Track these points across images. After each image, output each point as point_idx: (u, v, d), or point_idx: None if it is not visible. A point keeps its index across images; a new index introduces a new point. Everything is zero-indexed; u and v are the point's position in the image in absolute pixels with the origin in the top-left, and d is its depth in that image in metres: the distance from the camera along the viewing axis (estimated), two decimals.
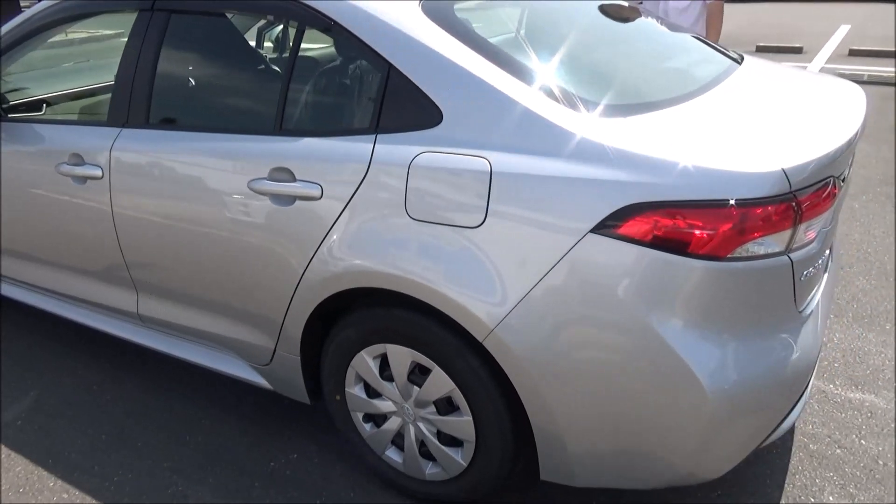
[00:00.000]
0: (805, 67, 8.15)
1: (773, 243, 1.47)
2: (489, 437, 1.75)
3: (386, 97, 1.72)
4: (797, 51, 9.25)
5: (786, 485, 2.05)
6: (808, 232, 1.54)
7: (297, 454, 2.22)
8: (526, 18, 2.11)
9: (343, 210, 1.75)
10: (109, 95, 2.25)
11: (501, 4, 2.20)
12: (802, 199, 1.46)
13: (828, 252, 1.70)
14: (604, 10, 2.30)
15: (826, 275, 1.84)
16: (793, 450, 2.18)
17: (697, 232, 1.42)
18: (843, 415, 2.33)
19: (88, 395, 2.54)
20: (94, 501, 2.06)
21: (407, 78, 1.69)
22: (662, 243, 1.44)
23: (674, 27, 2.45)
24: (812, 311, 1.67)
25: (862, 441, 2.21)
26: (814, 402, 2.39)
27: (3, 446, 2.29)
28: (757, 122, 1.70)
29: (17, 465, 2.21)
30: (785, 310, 1.55)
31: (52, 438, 2.32)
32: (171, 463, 2.20)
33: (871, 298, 3.05)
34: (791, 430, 2.25)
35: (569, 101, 1.59)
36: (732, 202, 1.40)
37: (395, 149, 1.68)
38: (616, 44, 2.11)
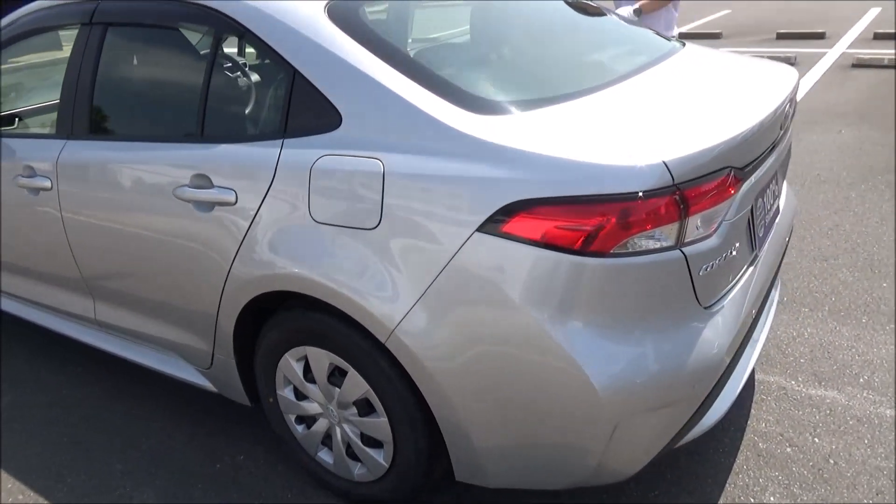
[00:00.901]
0: (825, 53, 7.90)
1: (662, 237, 1.43)
2: (404, 437, 1.75)
3: (292, 102, 1.74)
4: (819, 36, 8.95)
5: (727, 484, 1.99)
6: (707, 225, 1.50)
7: (243, 455, 2.26)
8: (453, 16, 2.12)
9: (255, 215, 1.78)
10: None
11: (439, 4, 2.20)
12: (689, 191, 1.42)
13: (738, 244, 1.64)
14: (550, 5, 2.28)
15: (752, 268, 1.79)
16: (740, 448, 2.12)
17: (579, 227, 1.40)
18: (801, 412, 2.25)
19: (56, 399, 2.63)
20: (45, 502, 2.13)
21: (310, 82, 1.70)
22: (546, 240, 1.42)
23: (623, 20, 2.41)
24: (724, 307, 1.62)
25: (816, 439, 2.13)
26: (771, 400, 2.32)
27: None
28: (659, 112, 1.66)
29: None
30: (684, 305, 1.52)
31: (14, 441, 2.41)
32: (122, 466, 2.26)
33: (852, 291, 2.95)
34: (742, 429, 2.19)
35: (462, 99, 1.58)
36: (612, 196, 1.37)
37: (298, 153, 1.70)
38: (541, 39, 2.09)
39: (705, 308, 1.57)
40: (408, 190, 1.54)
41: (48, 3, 2.42)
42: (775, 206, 2.00)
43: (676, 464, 2.07)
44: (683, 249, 1.46)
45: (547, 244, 1.42)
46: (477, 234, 1.47)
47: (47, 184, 2.27)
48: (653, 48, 2.14)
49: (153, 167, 1.99)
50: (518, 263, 1.44)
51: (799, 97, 2.02)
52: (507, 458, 1.63)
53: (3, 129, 2.79)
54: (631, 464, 1.60)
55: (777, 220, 2.04)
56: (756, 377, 2.44)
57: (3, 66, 2.71)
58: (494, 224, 1.45)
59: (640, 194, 1.37)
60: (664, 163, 1.39)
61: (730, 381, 1.84)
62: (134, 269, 2.16)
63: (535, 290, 1.44)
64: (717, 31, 10.12)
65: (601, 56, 2.02)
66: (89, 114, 2.18)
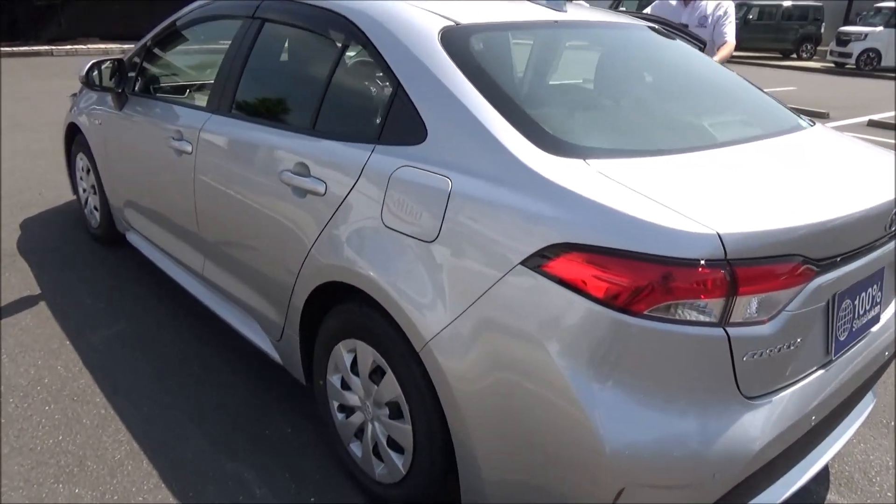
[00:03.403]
0: None
1: (705, 311, 1.38)
2: (422, 449, 1.79)
3: (391, 112, 1.86)
4: (822, 116, 9.43)
5: None
6: (763, 311, 1.42)
7: (291, 428, 2.40)
8: (557, 52, 2.16)
9: (337, 209, 1.91)
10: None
11: (538, 36, 2.25)
12: (742, 269, 1.35)
13: (801, 341, 1.52)
14: (663, 51, 2.26)
15: (824, 371, 1.64)
16: None
17: (614, 281, 1.38)
18: None
19: (156, 333, 2.94)
20: (121, 421, 2.40)
21: (409, 97, 1.81)
22: (583, 287, 1.41)
23: (748, 85, 2.31)
24: (773, 402, 1.51)
25: None
26: None
27: (80, 359, 2.75)
28: (739, 184, 1.59)
29: (82, 379, 2.63)
30: (720, 388, 1.43)
31: (117, 364, 2.73)
32: (187, 406, 2.49)
33: None
34: None
35: (539, 137, 1.62)
36: (657, 257, 1.34)
37: (384, 159, 1.82)
38: (647, 92, 2.07)
39: (747, 398, 1.48)
40: (468, 211, 1.59)
41: None
42: (873, 313, 1.82)
43: None
44: (728, 329, 1.39)
45: (583, 291, 1.41)
46: (520, 266, 1.49)
47: (189, 148, 2.57)
48: (772, 121, 2.04)
49: (270, 149, 2.20)
50: (552, 304, 1.45)
51: None
52: (511, 496, 1.62)
53: (173, 97, 3.20)
54: None
55: (874, 329, 1.86)
56: (827, 497, 2.21)
57: (194, 47, 3.11)
58: (538, 261, 1.46)
59: (685, 261, 1.33)
60: (718, 234, 1.33)
61: (774, 486, 1.71)
62: (238, 236, 2.39)
63: (564, 334, 1.44)
64: None
65: (707, 119, 1.97)
66: (233, 95, 2.45)
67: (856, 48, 17.29)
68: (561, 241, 1.43)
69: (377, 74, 1.96)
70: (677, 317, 1.38)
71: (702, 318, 1.38)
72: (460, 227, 1.61)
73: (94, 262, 3.68)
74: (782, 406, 1.53)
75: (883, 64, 17.08)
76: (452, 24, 1.93)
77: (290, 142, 2.13)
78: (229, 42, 2.55)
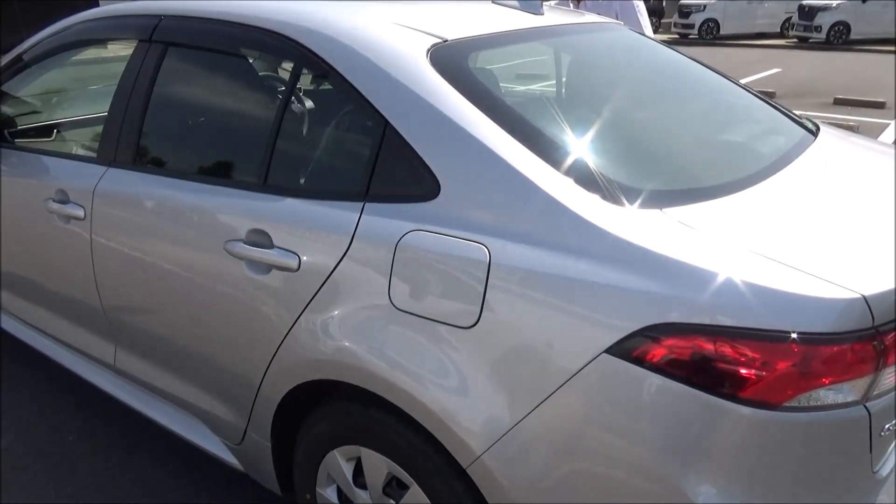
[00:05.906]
0: (888, 123, 7.55)
1: (846, 390, 1.12)
2: None
3: (379, 159, 1.46)
4: (878, 105, 8.56)
5: None
6: (892, 375, 1.19)
7: None
8: (564, 68, 1.84)
9: (320, 287, 1.49)
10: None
11: (534, 49, 1.93)
12: (887, 336, 1.11)
13: None
14: (653, 55, 2.00)
15: None
16: None
17: (745, 369, 1.09)
18: None
19: (61, 447, 2.34)
20: None
21: (404, 140, 1.42)
22: (697, 378, 1.12)
23: (729, 82, 2.11)
24: (889, 472, 1.30)
25: None
26: None
27: None
28: (835, 221, 1.36)
29: None
30: (856, 472, 1.20)
31: (9, 495, 2.12)
32: None
33: None
34: None
35: (594, 182, 1.29)
36: (794, 336, 1.07)
37: (382, 222, 1.42)
38: (664, 103, 1.80)
39: (874, 473, 1.25)
40: (518, 287, 1.24)
41: (104, 11, 2.19)
42: None
43: None
44: (868, 405, 1.15)
45: (697, 383, 1.11)
46: (605, 355, 1.17)
47: (80, 213, 2.00)
48: (788, 127, 1.84)
49: (204, 213, 1.72)
50: (654, 401, 1.14)
51: None
52: None
53: (38, 140, 2.57)
54: None
55: None
56: None
57: (63, 78, 2.49)
58: (630, 347, 1.15)
59: (831, 336, 1.07)
60: (864, 297, 1.08)
61: None
62: (167, 322, 1.88)
63: (674, 438, 1.14)
64: (771, 90, 9.87)
65: (738, 133, 1.73)
66: (137, 141, 1.92)
67: (697, 19, 18.47)
68: (661, 321, 1.13)
69: (348, 110, 1.55)
70: (815, 403, 1.12)
71: (843, 398, 1.13)
72: (509, 308, 1.25)
73: None
74: (890, 471, 1.33)
75: (722, 32, 18.35)
76: (439, 40, 1.55)
77: (232, 202, 1.66)
78: (119, 74, 2.00)
